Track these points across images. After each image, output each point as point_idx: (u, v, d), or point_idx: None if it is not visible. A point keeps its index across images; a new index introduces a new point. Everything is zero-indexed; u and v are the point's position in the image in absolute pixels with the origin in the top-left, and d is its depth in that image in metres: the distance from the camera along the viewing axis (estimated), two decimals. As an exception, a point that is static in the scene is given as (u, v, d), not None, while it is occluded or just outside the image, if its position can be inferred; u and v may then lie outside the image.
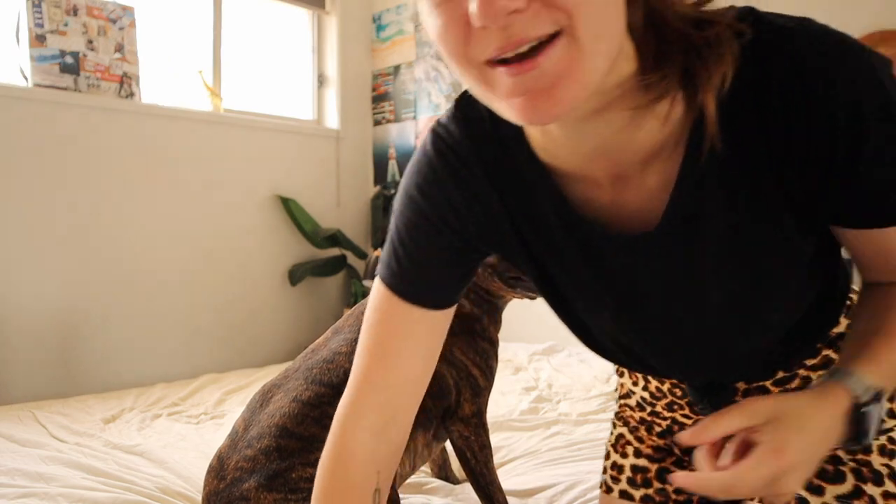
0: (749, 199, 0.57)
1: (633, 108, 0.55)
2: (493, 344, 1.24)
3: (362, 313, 1.21)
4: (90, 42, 2.49)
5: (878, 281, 0.64)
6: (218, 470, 1.07)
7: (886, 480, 0.72)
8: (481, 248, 0.70)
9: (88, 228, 2.49)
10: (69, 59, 2.43)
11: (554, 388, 2.22)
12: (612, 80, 0.53)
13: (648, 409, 0.92)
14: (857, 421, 0.55)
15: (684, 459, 0.90)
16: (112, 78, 2.55)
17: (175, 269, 2.76)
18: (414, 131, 3.46)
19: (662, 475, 0.89)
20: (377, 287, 0.72)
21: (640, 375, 0.92)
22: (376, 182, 3.64)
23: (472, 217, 0.67)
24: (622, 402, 0.98)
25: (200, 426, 1.84)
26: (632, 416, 0.95)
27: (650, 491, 0.89)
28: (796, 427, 0.53)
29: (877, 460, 0.73)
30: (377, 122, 3.64)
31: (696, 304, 0.65)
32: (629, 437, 0.94)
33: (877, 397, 0.56)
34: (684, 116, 0.56)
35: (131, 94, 2.60)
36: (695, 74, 0.53)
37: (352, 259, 3.43)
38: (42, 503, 1.21)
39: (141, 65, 2.64)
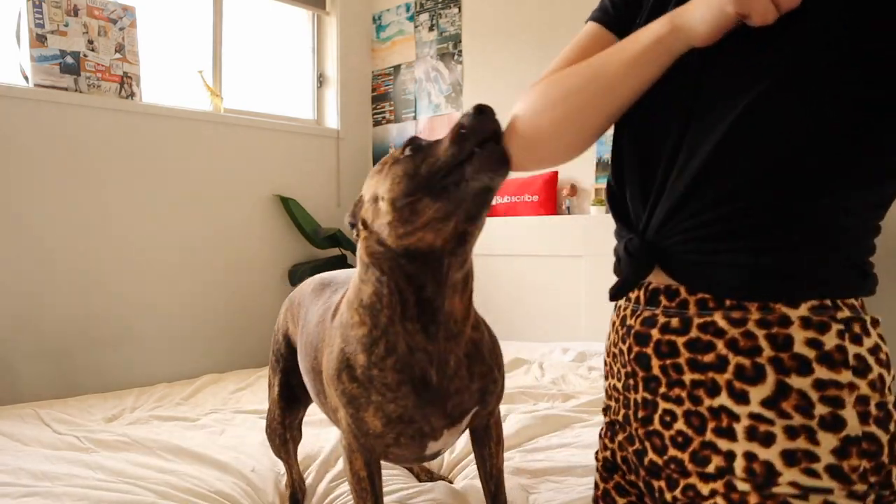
0: None
1: None
2: None
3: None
4: (91, 42, 2.49)
5: None
6: None
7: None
8: None
9: (88, 229, 2.49)
10: (70, 60, 2.43)
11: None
12: None
13: None
14: None
15: None
16: (112, 78, 2.54)
17: (175, 268, 2.75)
18: (414, 131, 3.45)
19: None
20: (585, 29, 0.95)
21: None
22: (376, 182, 3.63)
23: None
24: None
25: (203, 425, 1.84)
26: None
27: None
28: None
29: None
30: (377, 122, 3.63)
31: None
32: None
33: None
34: None
35: (132, 95, 2.60)
36: None
37: (352, 259, 3.43)
38: (46, 502, 1.20)
39: (141, 65, 2.64)
